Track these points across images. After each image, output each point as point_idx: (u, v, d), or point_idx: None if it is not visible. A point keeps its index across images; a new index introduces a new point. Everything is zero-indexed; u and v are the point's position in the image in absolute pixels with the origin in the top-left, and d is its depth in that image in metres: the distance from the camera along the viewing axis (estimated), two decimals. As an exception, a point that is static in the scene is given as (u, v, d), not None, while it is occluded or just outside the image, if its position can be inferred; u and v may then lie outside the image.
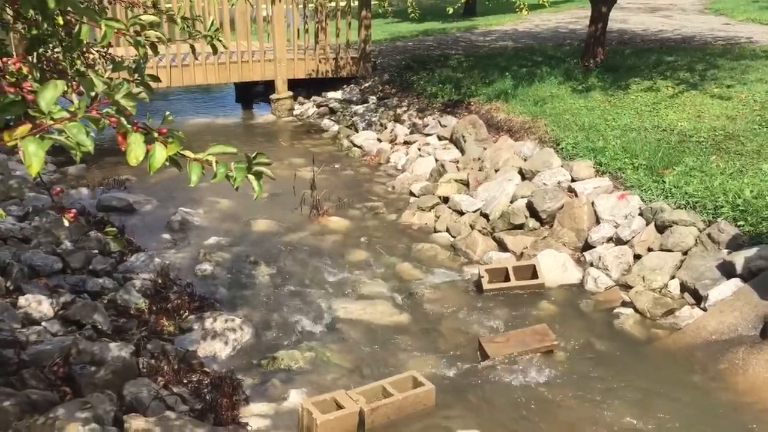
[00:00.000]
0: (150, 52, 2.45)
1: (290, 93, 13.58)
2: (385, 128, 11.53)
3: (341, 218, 8.38)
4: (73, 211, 2.11)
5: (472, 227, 7.75)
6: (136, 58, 2.48)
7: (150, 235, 7.81)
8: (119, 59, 2.62)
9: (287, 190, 8.93)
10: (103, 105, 1.63)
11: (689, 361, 5.29)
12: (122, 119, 1.62)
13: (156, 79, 2.09)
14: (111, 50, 3.69)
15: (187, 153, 1.77)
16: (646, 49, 12.64)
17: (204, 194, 9.03)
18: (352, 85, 13.75)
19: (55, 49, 2.90)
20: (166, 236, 7.83)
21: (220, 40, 2.59)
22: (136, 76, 2.07)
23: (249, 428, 4.55)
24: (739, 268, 5.76)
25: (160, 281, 6.33)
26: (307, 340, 5.73)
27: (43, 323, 5.16)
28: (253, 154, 1.80)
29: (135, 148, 1.69)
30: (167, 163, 1.84)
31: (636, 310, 5.97)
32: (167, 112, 1.88)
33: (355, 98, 13.17)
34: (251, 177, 1.79)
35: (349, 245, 7.65)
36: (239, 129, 13.14)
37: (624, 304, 6.13)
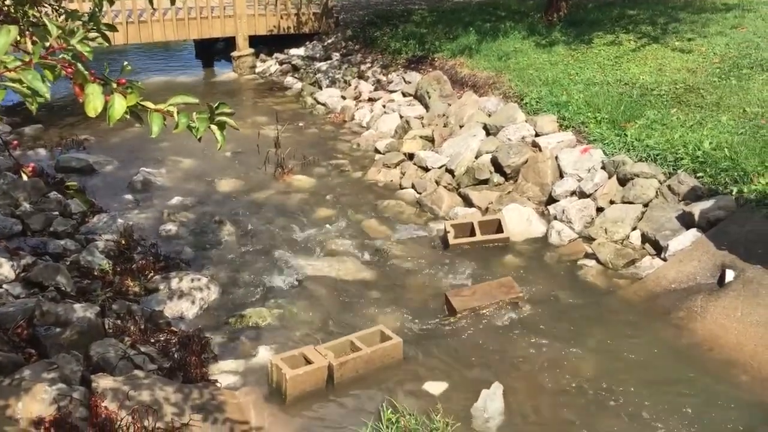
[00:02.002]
0: (105, 2, 2.37)
1: (252, 50, 13.33)
2: (349, 85, 11.42)
3: (306, 176, 8.33)
4: (32, 165, 2.05)
5: (437, 183, 7.77)
6: (90, 12, 2.39)
7: (112, 196, 7.69)
8: (73, 12, 2.54)
9: (251, 148, 8.84)
10: (58, 51, 1.57)
11: (650, 309, 5.43)
12: (79, 66, 1.57)
13: (112, 28, 2.02)
14: (64, 4, 3.57)
15: (148, 104, 1.73)
16: (609, 3, 12.64)
17: (166, 153, 8.89)
18: (314, 42, 13.55)
19: (6, 1, 2.79)
20: (129, 197, 7.72)
21: (178, -10, 2.52)
22: (91, 26, 2.00)
23: (218, 385, 4.57)
24: (697, 218, 5.89)
25: (123, 242, 6.26)
26: (275, 298, 5.74)
27: (5, 286, 5.08)
28: (216, 104, 1.77)
29: (93, 99, 1.64)
30: (127, 116, 1.79)
31: (598, 262, 6.09)
32: (125, 62, 1.83)
33: (318, 55, 12.99)
34: (214, 127, 1.76)
35: (315, 203, 7.62)
36: (200, 87, 12.90)
37: (587, 255, 6.24)
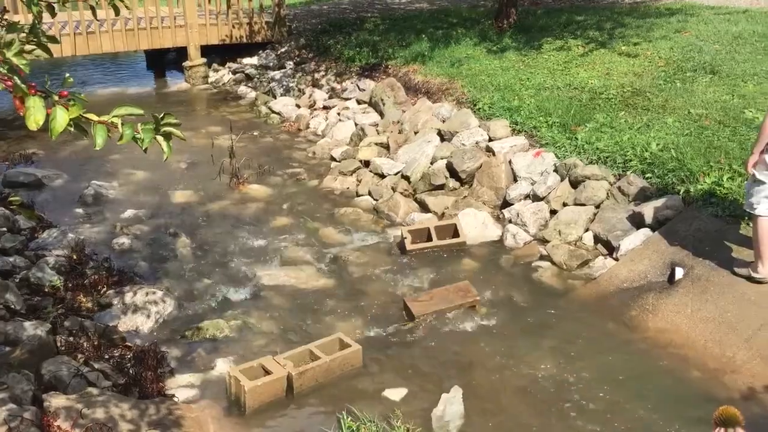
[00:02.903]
0: (47, 13, 2.32)
1: (204, 60, 13.20)
2: (304, 93, 11.40)
3: (262, 186, 8.28)
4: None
5: (393, 190, 7.80)
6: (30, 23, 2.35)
7: (62, 211, 7.53)
8: (13, 24, 2.49)
9: (205, 159, 8.75)
10: (-6, 65, 1.55)
11: (604, 308, 5.53)
12: (16, 79, 1.54)
13: (53, 40, 1.99)
14: (7, 16, 3.50)
15: (91, 116, 1.71)
16: (557, 9, 12.89)
17: (118, 166, 8.75)
18: (268, 51, 13.49)
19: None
20: (80, 211, 7.57)
21: (122, 0, 2.49)
22: (31, 38, 1.97)
23: (176, 399, 4.50)
24: (647, 218, 6.03)
25: (75, 257, 6.13)
26: (232, 309, 5.69)
27: (-49, 306, 4.93)
28: (161, 115, 1.75)
29: (34, 112, 1.61)
30: (71, 129, 1.77)
31: (553, 263, 6.18)
32: (67, 74, 1.80)
33: (271, 64, 12.94)
34: (160, 138, 1.74)
35: (272, 212, 7.58)
36: (152, 98, 12.72)
37: (542, 257, 6.33)
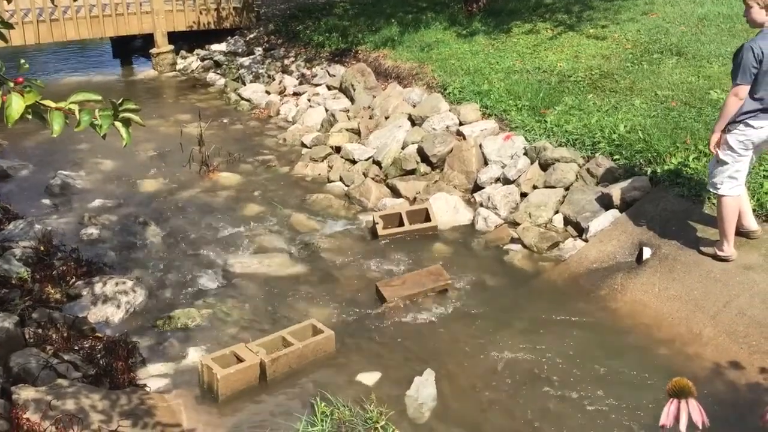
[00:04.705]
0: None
1: (171, 47, 13.03)
2: (273, 80, 11.31)
3: (233, 173, 8.22)
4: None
5: (365, 175, 7.79)
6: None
7: (28, 201, 7.41)
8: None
9: (174, 147, 8.66)
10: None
11: (573, 289, 5.59)
12: (-34, 66, 1.51)
13: (8, 26, 1.95)
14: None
15: (48, 102, 1.68)
16: (527, -7, 12.88)
17: (85, 155, 8.62)
18: (236, 37, 13.35)
19: None
20: (47, 201, 7.46)
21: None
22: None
23: (147, 389, 4.48)
24: (615, 199, 6.10)
25: (42, 248, 6.04)
26: (204, 298, 5.66)
27: None
28: (119, 100, 1.73)
29: (-12, 99, 1.58)
30: (29, 116, 1.74)
31: (524, 246, 6.23)
32: (22, 60, 1.77)
33: (240, 50, 12.82)
34: (118, 124, 1.72)
35: (243, 200, 7.54)
36: (119, 86, 12.52)
37: (513, 240, 6.37)
